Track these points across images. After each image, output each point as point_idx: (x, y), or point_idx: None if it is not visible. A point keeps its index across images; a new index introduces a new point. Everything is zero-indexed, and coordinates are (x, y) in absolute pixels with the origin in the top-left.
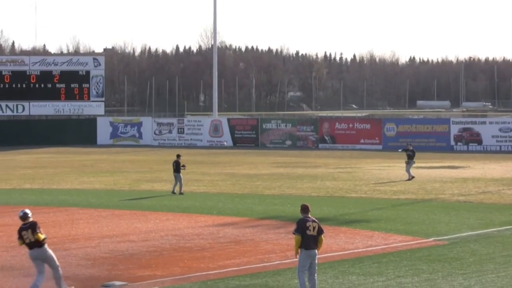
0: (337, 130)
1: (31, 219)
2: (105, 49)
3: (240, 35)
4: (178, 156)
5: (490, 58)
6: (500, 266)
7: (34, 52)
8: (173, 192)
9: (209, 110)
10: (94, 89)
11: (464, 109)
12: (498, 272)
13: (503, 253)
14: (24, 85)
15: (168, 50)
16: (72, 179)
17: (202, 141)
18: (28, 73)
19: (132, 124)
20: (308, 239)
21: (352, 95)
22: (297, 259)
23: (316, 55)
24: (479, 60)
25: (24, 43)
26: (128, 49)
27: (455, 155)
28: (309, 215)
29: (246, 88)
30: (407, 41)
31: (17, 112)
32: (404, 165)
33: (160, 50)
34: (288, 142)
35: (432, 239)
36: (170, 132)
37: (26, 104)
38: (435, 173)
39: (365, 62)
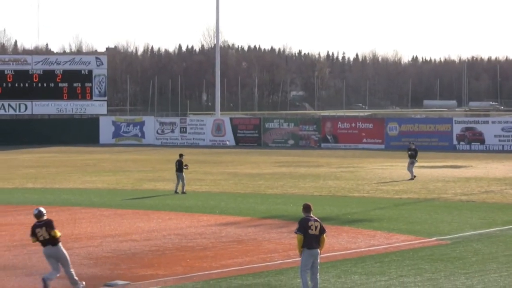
0: (340, 129)
1: (45, 217)
2: (107, 49)
3: (242, 34)
4: (181, 155)
5: (493, 58)
6: (503, 265)
7: (36, 51)
8: (176, 192)
9: (211, 110)
10: (97, 88)
11: (467, 109)
12: (501, 271)
13: (505, 253)
14: (26, 84)
15: (171, 50)
16: (74, 178)
17: (205, 141)
18: (30, 73)
19: (135, 123)
20: (310, 239)
21: (355, 95)
22: (300, 259)
23: (319, 54)
24: (482, 59)
25: (27, 42)
26: (131, 49)
27: (457, 155)
28: (311, 215)
29: (249, 87)
30: (410, 40)
31: (19, 111)
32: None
33: (162, 50)
34: (291, 142)
35: (435, 238)
36: (172, 131)
37: (28, 103)
38: (438, 173)
39: (368, 61)
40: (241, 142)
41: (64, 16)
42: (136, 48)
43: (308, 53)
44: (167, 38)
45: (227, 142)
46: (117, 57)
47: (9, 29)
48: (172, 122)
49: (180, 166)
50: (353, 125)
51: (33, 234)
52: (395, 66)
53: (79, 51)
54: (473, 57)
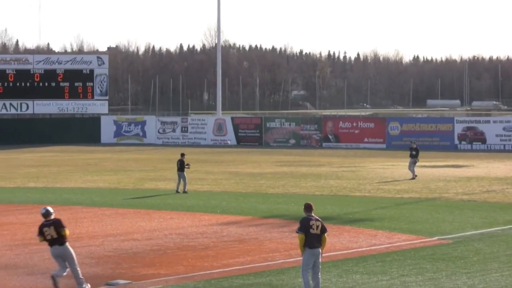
0: (341, 129)
1: (53, 216)
2: (109, 48)
3: (244, 33)
4: (183, 155)
5: (494, 57)
6: (504, 265)
7: (38, 50)
8: (177, 191)
9: (213, 109)
10: (98, 87)
11: (468, 108)
12: (502, 271)
13: (507, 252)
14: (28, 84)
15: (172, 49)
16: (76, 177)
17: (206, 140)
18: (32, 72)
19: (136, 122)
20: (311, 238)
21: (356, 94)
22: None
23: (320, 53)
24: (483, 59)
25: (28, 41)
26: (132, 48)
27: (459, 154)
28: (313, 214)
29: (250, 86)
30: (411, 40)
31: (21, 110)
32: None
33: (164, 49)
34: (292, 141)
35: (436, 238)
36: (174, 130)
37: (30, 102)
38: (439, 172)
39: (369, 61)
40: (242, 141)
41: (65, 15)
42: (137, 47)
43: (310, 53)
44: (168, 37)
45: (229, 142)
46: (118, 56)
47: (10, 29)
48: (174, 122)
49: (181, 166)
50: (354, 124)
51: (41, 233)
52: (396, 65)
53: (80, 51)
54: (474, 56)
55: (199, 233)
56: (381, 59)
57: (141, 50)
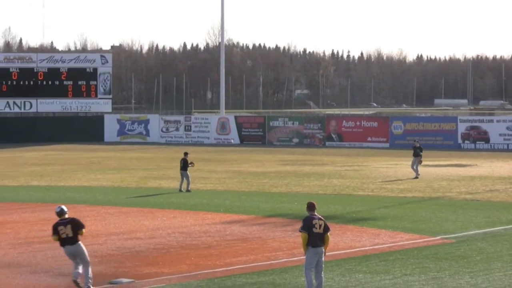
0: (344, 128)
1: (67, 215)
2: (112, 47)
3: (247, 32)
4: (186, 154)
5: (498, 56)
6: (508, 264)
7: (41, 49)
8: (180, 190)
9: (216, 108)
10: (102, 86)
11: (471, 107)
12: (506, 270)
13: (510, 252)
14: (31, 82)
15: (176, 48)
16: (79, 176)
17: (209, 139)
18: (35, 70)
19: (139, 121)
20: (314, 237)
21: (360, 93)
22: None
23: (324, 52)
24: (486, 58)
25: (32, 40)
26: (136, 47)
27: (462, 153)
28: (316, 213)
29: (253, 85)
30: (415, 39)
31: (24, 109)
32: (416, 162)
33: (167, 48)
34: (295, 140)
35: (439, 237)
36: (177, 129)
37: (33, 101)
38: (442, 171)
39: (373, 60)
40: (245, 140)
41: (69, 14)
42: (141, 46)
43: (313, 52)
44: (172, 36)
45: (232, 141)
46: (122, 55)
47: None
48: (177, 120)
49: (184, 165)
50: (357, 123)
51: (56, 232)
52: (400, 64)
53: (84, 49)
54: (478, 55)
55: (202, 232)
56: (384, 58)
57: (145, 48)
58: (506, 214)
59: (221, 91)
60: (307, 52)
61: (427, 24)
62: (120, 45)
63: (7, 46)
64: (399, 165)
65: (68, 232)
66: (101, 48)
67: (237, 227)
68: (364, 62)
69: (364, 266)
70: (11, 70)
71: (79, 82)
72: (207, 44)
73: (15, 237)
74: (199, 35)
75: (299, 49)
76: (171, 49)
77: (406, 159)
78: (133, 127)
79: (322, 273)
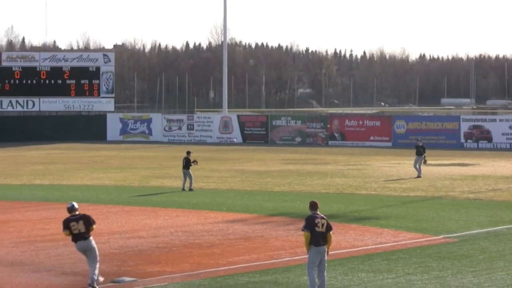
0: (347, 127)
1: (78, 212)
2: (115, 46)
3: (250, 31)
4: (188, 152)
5: (501, 56)
6: (510, 263)
7: (44, 48)
8: (183, 189)
9: (219, 107)
10: (104, 85)
11: (474, 107)
12: (508, 269)
13: None
14: (34, 81)
15: (178, 47)
16: (82, 175)
17: (212, 138)
18: (38, 69)
19: (142, 120)
20: (317, 236)
21: (362, 92)
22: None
23: (326, 52)
24: (489, 57)
25: (35, 39)
26: (138, 46)
27: (465, 153)
28: (318, 212)
29: (256, 84)
30: (418, 38)
31: (27, 108)
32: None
33: (170, 47)
34: (298, 139)
35: (442, 236)
36: (180, 128)
37: (36, 100)
38: (445, 171)
39: (375, 59)
40: (248, 139)
41: (71, 13)
42: (143, 45)
43: (316, 51)
44: (174, 35)
45: (234, 140)
46: (124, 54)
47: (16, 26)
48: (180, 119)
49: (187, 164)
50: (360, 122)
51: (67, 227)
52: (402, 64)
53: (86, 48)
54: (480, 55)
55: (204, 230)
56: (387, 57)
57: (147, 47)
58: (509, 213)
59: (224, 90)
60: (310, 51)
61: (430, 23)
62: (123, 44)
63: (10, 45)
64: (401, 164)
65: (80, 228)
66: (103, 47)
67: (240, 226)
68: (367, 61)
69: (367, 265)
70: (13, 69)
71: (82, 81)
72: (210, 43)
73: (18, 235)
74: (201, 34)
75: (302, 48)
76: (174, 48)
77: (409, 158)
78: (135, 126)
79: (325, 272)
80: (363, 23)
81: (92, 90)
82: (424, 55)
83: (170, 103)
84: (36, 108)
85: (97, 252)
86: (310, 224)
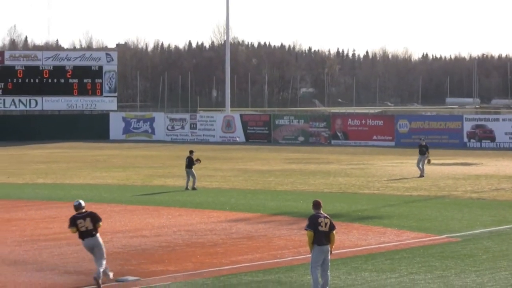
0: (350, 126)
1: (84, 210)
2: (118, 45)
3: (252, 31)
4: (191, 152)
5: (503, 55)
6: None
7: (47, 47)
8: (187, 188)
9: (221, 106)
10: (107, 84)
11: (477, 106)
12: (511, 269)
13: None
14: (37, 80)
15: (181, 46)
16: (84, 174)
17: (215, 137)
18: (41, 68)
19: (145, 119)
20: (320, 235)
21: (365, 92)
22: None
23: (329, 51)
24: (492, 57)
25: (37, 38)
26: (141, 45)
27: (468, 152)
28: (321, 211)
29: (259, 84)
30: (420, 37)
31: (30, 107)
32: (422, 160)
33: (172, 46)
34: (301, 138)
35: (445, 236)
36: (182, 127)
37: (39, 99)
38: (448, 170)
39: (378, 58)
40: (251, 138)
41: (74, 12)
42: (146, 44)
43: (318, 50)
44: (177, 34)
45: (237, 139)
46: (127, 53)
47: (19, 25)
48: (182, 119)
49: (189, 163)
50: (363, 122)
51: (73, 224)
52: (405, 63)
53: (89, 47)
54: (483, 54)
55: (207, 230)
56: (390, 56)
57: (150, 47)
58: None
59: (227, 89)
60: (313, 50)
61: (433, 22)
62: (126, 43)
63: (13, 44)
64: (404, 164)
65: (88, 225)
66: (106, 46)
67: (243, 225)
68: (370, 61)
69: (370, 264)
70: (16, 68)
71: (85, 80)
72: (213, 42)
73: (21, 234)
74: (204, 34)
75: (305, 47)
76: (177, 47)
77: (412, 158)
78: (138, 125)
79: (328, 271)
80: (366, 23)
81: (94, 89)
82: (426, 54)
83: (172, 102)
84: (38, 107)
85: (104, 249)
86: (313, 223)
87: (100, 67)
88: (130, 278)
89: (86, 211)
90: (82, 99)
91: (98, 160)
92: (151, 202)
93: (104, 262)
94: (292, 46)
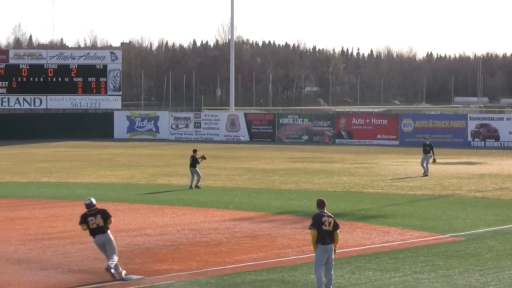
0: (354, 125)
1: (95, 207)
2: (122, 43)
3: (257, 29)
4: (195, 151)
5: (508, 54)
6: None
7: (51, 46)
8: (191, 187)
9: (226, 105)
10: (111, 83)
11: (481, 105)
12: None
13: None
14: (41, 79)
15: (185, 45)
16: (89, 173)
17: (219, 136)
18: (45, 67)
19: (149, 118)
20: (324, 234)
21: (369, 91)
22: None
23: (333, 50)
24: (496, 55)
25: (42, 37)
26: (145, 43)
27: (472, 151)
28: (325, 210)
29: (263, 83)
30: (425, 36)
31: (34, 105)
32: (430, 160)
33: (177, 45)
34: (305, 137)
35: (449, 235)
36: (187, 126)
37: (43, 97)
38: (452, 169)
39: (382, 57)
40: (255, 137)
41: (79, 11)
42: (150, 43)
43: (323, 49)
44: (181, 33)
45: (241, 138)
46: (131, 52)
47: (24, 24)
48: (187, 117)
49: (193, 162)
50: (367, 121)
51: (84, 222)
52: (409, 62)
53: (94, 46)
54: (488, 53)
55: (211, 228)
56: (394, 55)
57: (155, 45)
58: None
59: (231, 88)
60: (317, 49)
61: (437, 21)
62: (130, 42)
63: (17, 43)
64: (408, 163)
65: (99, 222)
66: (111, 45)
67: (247, 224)
68: (374, 60)
69: (374, 263)
70: (21, 66)
71: (89, 79)
72: (217, 41)
73: (25, 233)
74: (209, 32)
75: (309, 46)
76: (181, 46)
77: (416, 157)
78: (142, 124)
79: (332, 270)
80: (370, 22)
81: (99, 88)
82: (431, 53)
83: (177, 101)
84: (43, 106)
85: (116, 246)
86: (317, 222)
87: (105, 66)
88: (134, 277)
89: (96, 208)
90: (87, 98)
91: (102, 158)
92: (155, 201)
93: (116, 258)
94: (296, 45)
